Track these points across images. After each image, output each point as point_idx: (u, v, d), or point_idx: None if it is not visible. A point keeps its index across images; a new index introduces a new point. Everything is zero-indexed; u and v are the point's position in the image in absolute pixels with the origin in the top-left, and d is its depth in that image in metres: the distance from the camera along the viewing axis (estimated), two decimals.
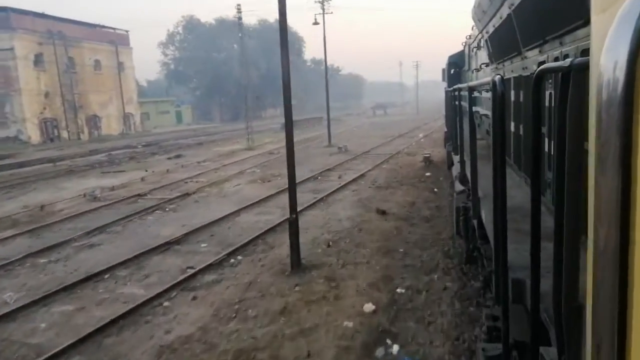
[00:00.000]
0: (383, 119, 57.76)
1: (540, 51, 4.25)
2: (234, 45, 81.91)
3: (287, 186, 8.64)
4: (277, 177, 17.11)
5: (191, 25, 73.76)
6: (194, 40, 73.22)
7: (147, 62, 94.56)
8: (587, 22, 2.69)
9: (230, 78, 74.49)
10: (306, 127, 49.29)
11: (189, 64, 73.43)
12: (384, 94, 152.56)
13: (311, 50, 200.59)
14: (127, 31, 53.93)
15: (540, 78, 1.81)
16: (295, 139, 8.51)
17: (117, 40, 51.07)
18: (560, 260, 1.52)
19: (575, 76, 1.40)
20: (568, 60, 1.45)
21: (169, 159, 25.16)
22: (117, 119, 51.34)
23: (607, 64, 0.83)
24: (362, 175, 16.90)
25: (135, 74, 55.35)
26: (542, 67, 1.77)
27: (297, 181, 8.35)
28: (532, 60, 4.52)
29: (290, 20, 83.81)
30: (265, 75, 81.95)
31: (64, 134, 44.26)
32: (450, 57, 16.64)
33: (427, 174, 16.34)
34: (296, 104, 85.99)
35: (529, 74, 4.51)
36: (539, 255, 1.85)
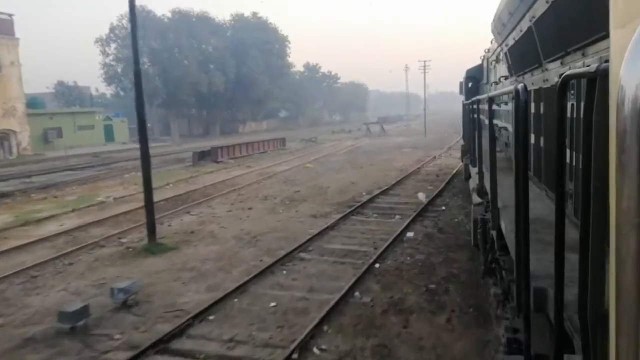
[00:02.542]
0: (373, 143, 40.23)
1: (561, 63, 4.21)
2: (202, 45, 66.11)
3: None
4: None
5: (140, 17, 57.71)
6: (143, 37, 57.41)
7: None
8: (609, 34, 2.62)
9: (187, 85, 58.40)
10: (249, 157, 31.09)
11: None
12: (395, 105, 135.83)
13: (304, 55, 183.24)
14: (10, 15, 38.28)
15: (564, 85, 1.79)
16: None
17: None
18: (586, 269, 1.48)
19: (602, 82, 1.39)
20: (594, 66, 1.43)
21: None
22: None
23: (628, 77, 0.87)
24: None
25: (21, 74, 39.26)
26: (567, 72, 1.73)
27: None
28: (554, 72, 4.44)
29: (272, 18, 67.13)
30: (235, 81, 65.23)
31: None
32: (468, 71, 16.16)
33: None
34: (287, 117, 67.47)
35: (549, 85, 4.49)
36: (563, 263, 1.84)
